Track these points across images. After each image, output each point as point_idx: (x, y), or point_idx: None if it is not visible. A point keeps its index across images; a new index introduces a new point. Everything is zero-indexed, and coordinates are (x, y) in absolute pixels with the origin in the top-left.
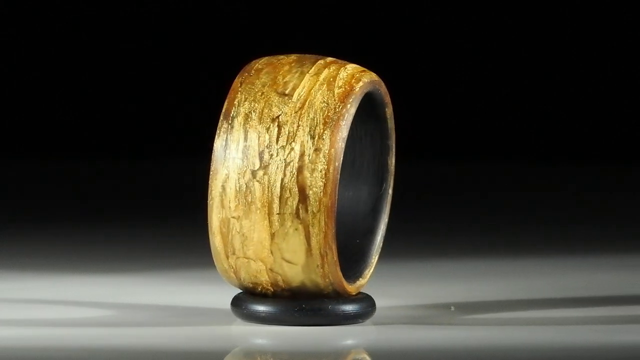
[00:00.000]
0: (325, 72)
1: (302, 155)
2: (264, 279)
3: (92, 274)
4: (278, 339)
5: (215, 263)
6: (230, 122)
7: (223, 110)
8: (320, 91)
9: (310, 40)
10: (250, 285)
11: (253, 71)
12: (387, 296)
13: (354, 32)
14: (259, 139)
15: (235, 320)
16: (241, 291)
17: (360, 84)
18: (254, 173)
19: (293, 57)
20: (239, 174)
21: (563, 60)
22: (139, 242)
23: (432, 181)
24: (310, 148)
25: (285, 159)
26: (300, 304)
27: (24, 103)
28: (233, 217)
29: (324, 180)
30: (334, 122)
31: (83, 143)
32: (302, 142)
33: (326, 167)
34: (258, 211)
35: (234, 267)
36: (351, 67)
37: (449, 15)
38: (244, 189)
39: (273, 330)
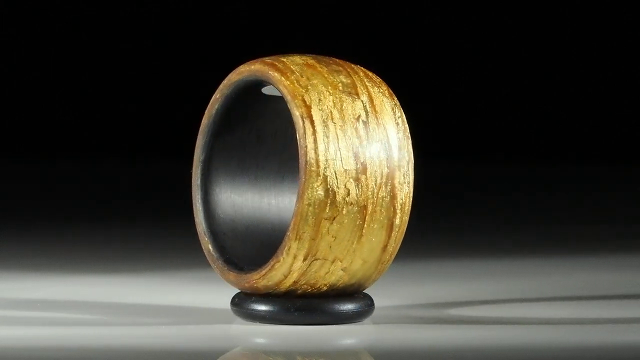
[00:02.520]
0: (360, 72)
1: (390, 154)
2: (330, 279)
3: (92, 274)
4: (278, 338)
5: (278, 266)
6: (313, 123)
7: (297, 113)
8: (376, 90)
9: (310, 40)
10: (304, 287)
11: (297, 73)
12: (387, 296)
13: (354, 32)
14: (351, 139)
15: (235, 320)
16: (239, 291)
17: (383, 83)
18: (351, 174)
19: (309, 56)
20: (338, 175)
21: (563, 60)
22: (139, 242)
23: (432, 181)
24: (396, 145)
25: (379, 160)
26: (300, 303)
27: (24, 103)
28: (326, 219)
29: (408, 178)
30: (402, 120)
31: (83, 143)
32: (389, 140)
33: (408, 165)
34: (355, 212)
35: (305, 269)
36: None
37: (449, 15)
38: (342, 191)
39: (273, 329)
